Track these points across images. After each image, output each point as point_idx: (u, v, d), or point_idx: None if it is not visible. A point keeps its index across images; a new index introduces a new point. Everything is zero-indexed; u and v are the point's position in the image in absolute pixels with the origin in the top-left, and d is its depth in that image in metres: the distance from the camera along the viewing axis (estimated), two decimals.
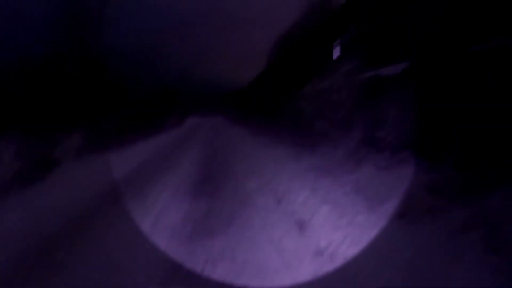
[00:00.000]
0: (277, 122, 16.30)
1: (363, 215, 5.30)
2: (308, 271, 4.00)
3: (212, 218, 5.51)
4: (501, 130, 5.15)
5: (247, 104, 44.28)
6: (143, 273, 4.21)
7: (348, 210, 5.57)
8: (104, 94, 21.17)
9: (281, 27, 46.50)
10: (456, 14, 8.01)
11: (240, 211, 5.85)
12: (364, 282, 3.77)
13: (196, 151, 13.73)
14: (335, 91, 9.63)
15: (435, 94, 7.08)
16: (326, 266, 4.00)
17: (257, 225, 5.28)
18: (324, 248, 4.40)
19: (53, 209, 5.87)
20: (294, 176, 7.95)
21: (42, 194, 6.84)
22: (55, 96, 15.93)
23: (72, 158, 10.00)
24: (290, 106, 11.87)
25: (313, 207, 5.77)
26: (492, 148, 5.05)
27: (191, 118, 51.94)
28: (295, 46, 22.93)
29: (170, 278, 4.11)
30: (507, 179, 4.36)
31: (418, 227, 4.60)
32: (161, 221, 5.37)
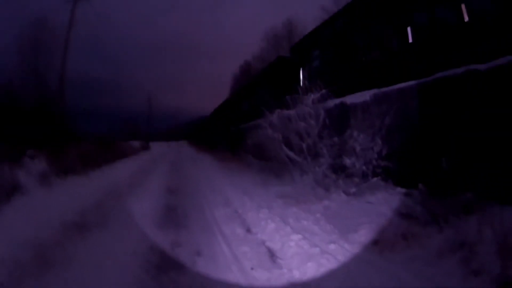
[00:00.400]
0: (243, 149, 16.18)
1: (336, 243, 5.15)
2: None
3: (180, 249, 5.18)
4: (474, 155, 5.21)
5: (212, 131, 44.16)
6: None
7: (320, 238, 5.42)
8: (67, 120, 20.50)
9: (247, 57, 47.43)
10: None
11: (209, 241, 5.54)
12: None
13: (161, 179, 13.28)
14: (302, 119, 9.62)
15: (405, 121, 7.16)
16: None
17: (228, 255, 4.98)
18: (299, 279, 4.18)
19: (16, 236, 5.37)
20: (262, 204, 7.76)
21: (4, 221, 6.33)
22: (17, 123, 15.27)
23: (36, 184, 9.42)
24: (256, 133, 11.78)
25: (284, 236, 5.57)
26: (465, 172, 5.06)
27: (156, 145, 51.01)
28: (261, 75, 23.16)
29: None
30: (481, 201, 4.35)
31: (393, 254, 4.48)
32: (127, 253, 4.98)
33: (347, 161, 7.86)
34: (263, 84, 21.37)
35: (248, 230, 6.12)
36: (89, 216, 6.88)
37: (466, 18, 7.22)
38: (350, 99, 9.46)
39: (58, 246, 5.12)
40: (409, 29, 9.08)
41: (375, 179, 7.35)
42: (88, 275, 4.24)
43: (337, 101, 9.86)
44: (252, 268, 4.47)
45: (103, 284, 4.07)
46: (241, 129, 21.27)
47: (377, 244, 4.86)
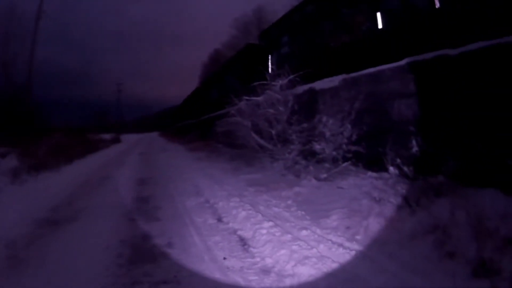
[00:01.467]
0: (213, 138, 16.00)
1: (308, 229, 5.09)
2: None
3: (152, 240, 5.04)
4: (445, 138, 5.23)
5: (183, 121, 43.68)
6: None
7: (291, 225, 5.36)
8: (36, 112, 19.78)
9: (217, 44, 46.99)
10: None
11: (181, 231, 5.40)
12: None
13: (132, 171, 12.99)
14: (270, 105, 9.53)
15: (374, 105, 7.16)
16: (275, 286, 3.69)
17: (200, 245, 4.86)
18: (271, 266, 4.10)
19: None
20: (233, 192, 7.65)
21: None
22: None
23: (7, 182, 9.10)
24: (225, 121, 11.64)
25: (255, 224, 5.48)
26: (436, 155, 5.08)
27: (127, 137, 49.92)
28: (230, 63, 22.93)
29: None
30: (453, 184, 4.36)
31: (366, 238, 4.45)
32: (99, 246, 4.80)
33: (317, 147, 7.81)
34: (232, 72, 21.19)
35: (220, 220, 6.01)
36: (61, 212, 6.76)
37: (438, 5, 7.27)
38: (319, 84, 9.41)
39: (30, 244, 4.95)
40: (378, 14, 9.11)
41: (345, 164, 7.35)
42: (61, 272, 4.07)
43: (306, 87, 9.81)
44: (224, 258, 4.37)
45: (76, 280, 3.91)
46: (211, 118, 21.05)
47: (349, 228, 4.83)
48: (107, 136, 35.42)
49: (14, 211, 6.56)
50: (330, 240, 4.63)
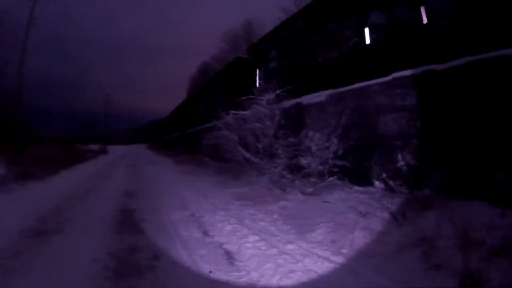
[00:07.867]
0: (200, 151, 15.93)
1: (294, 243, 5.05)
2: None
3: (137, 254, 4.93)
4: (431, 152, 5.28)
5: (170, 133, 43.44)
6: None
7: (277, 239, 5.32)
8: (24, 121, 19.49)
9: (205, 58, 47.03)
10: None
11: (167, 245, 5.30)
12: None
13: (119, 183, 12.78)
14: (257, 120, 9.54)
15: (360, 120, 7.21)
16: None
17: (186, 258, 4.77)
18: (257, 280, 4.04)
19: None
20: (219, 206, 7.59)
21: None
22: None
23: None
24: (213, 135, 11.61)
25: (241, 238, 5.43)
26: (422, 169, 5.12)
27: (114, 148, 49.23)
28: (218, 76, 22.96)
29: None
30: (439, 197, 4.39)
31: (352, 251, 4.43)
32: (85, 258, 4.66)
33: (303, 161, 7.81)
34: (220, 85, 21.20)
35: (205, 233, 5.93)
36: (48, 222, 6.57)
37: (425, 21, 7.39)
38: (306, 99, 9.47)
39: (17, 254, 4.85)
40: (366, 30, 9.23)
41: (331, 178, 7.36)
42: (47, 283, 3.98)
43: (293, 101, 9.85)
44: (210, 272, 4.30)
45: None
46: (198, 131, 20.98)
47: (335, 242, 4.80)
48: (94, 147, 35.09)
49: (0, 220, 6.38)
50: (316, 254, 4.59)
